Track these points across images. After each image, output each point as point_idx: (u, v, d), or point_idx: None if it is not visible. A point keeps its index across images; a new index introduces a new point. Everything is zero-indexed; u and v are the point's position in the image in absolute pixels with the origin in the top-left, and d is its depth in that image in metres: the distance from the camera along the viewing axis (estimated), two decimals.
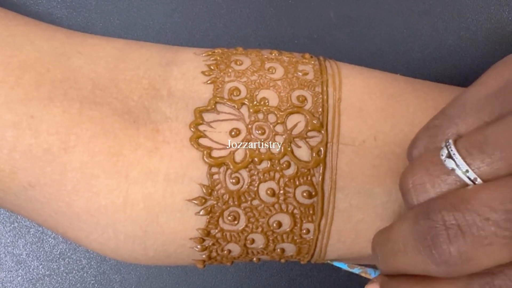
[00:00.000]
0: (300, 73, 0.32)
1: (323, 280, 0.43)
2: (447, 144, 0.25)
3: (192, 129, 0.30)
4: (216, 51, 0.33)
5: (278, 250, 0.32)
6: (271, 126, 0.30)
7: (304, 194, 0.30)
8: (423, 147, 0.26)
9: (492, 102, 0.25)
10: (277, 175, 0.30)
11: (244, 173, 0.30)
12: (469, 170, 0.24)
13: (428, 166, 0.25)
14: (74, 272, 0.42)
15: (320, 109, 0.31)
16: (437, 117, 0.27)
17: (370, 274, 0.32)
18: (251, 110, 0.31)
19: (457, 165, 0.24)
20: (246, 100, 0.31)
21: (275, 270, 0.43)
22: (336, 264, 0.33)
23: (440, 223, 0.23)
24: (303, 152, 0.30)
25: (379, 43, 0.41)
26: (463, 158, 0.24)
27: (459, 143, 0.24)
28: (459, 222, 0.23)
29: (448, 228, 0.23)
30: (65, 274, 0.42)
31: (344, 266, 0.32)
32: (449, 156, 0.24)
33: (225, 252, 0.32)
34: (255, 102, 0.31)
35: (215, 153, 0.30)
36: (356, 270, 0.31)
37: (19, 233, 0.42)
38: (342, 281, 0.43)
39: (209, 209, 0.30)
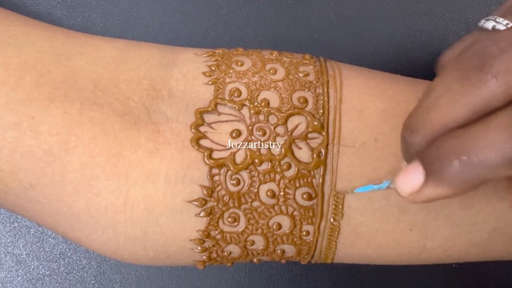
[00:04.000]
0: (301, 74, 0.32)
1: (323, 280, 0.43)
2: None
3: (192, 130, 0.30)
4: (217, 51, 0.33)
5: (278, 251, 0.32)
6: (272, 127, 0.30)
7: (304, 196, 0.30)
8: None
9: None
10: (278, 177, 0.30)
11: (245, 174, 0.30)
12: None
13: None
14: (74, 272, 0.42)
15: (321, 111, 0.31)
16: None
17: None
18: (252, 111, 0.30)
19: None
20: (247, 101, 0.31)
21: (275, 270, 0.43)
22: (359, 190, 0.30)
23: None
24: (303, 154, 0.30)
25: (379, 43, 0.41)
26: None
27: None
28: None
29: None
30: (65, 274, 0.42)
31: (368, 188, 0.30)
32: None
33: (225, 253, 0.32)
34: (256, 103, 0.31)
35: (216, 154, 0.30)
36: (385, 184, 0.29)
37: (19, 233, 0.42)
38: (342, 281, 0.43)
39: (209, 210, 0.30)
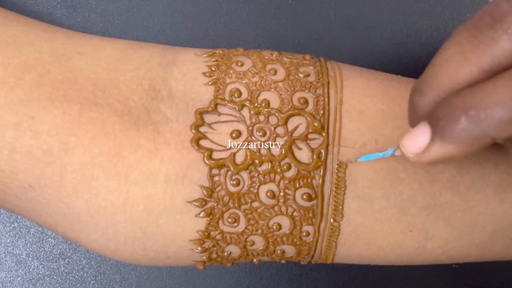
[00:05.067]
0: (301, 75, 0.32)
1: (323, 280, 0.43)
2: None
3: (192, 130, 0.30)
4: (217, 51, 0.33)
5: (278, 251, 0.32)
6: (272, 128, 0.30)
7: (304, 196, 0.30)
8: None
9: None
10: (278, 177, 0.30)
11: (245, 175, 0.30)
12: None
13: None
14: (74, 272, 0.42)
15: (321, 111, 0.31)
16: None
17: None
18: (252, 112, 0.30)
19: None
20: (247, 101, 0.31)
21: (275, 270, 0.43)
22: (363, 158, 0.30)
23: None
24: (303, 154, 0.30)
25: (379, 43, 0.41)
26: None
27: None
28: None
29: None
30: (65, 274, 0.42)
31: (372, 157, 0.29)
32: None
33: (225, 253, 0.32)
34: (256, 104, 0.31)
35: (216, 155, 0.30)
36: (389, 151, 0.29)
37: (19, 233, 0.42)
38: (342, 281, 0.43)
39: (209, 211, 0.30)
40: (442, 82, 0.25)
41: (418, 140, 0.26)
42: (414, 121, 0.27)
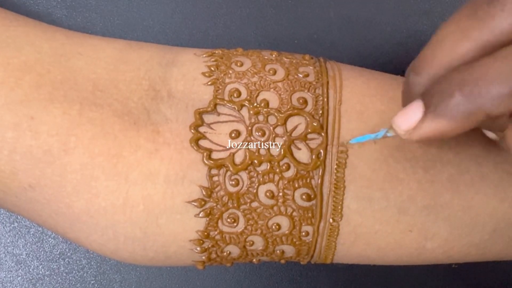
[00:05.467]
0: (300, 75, 0.32)
1: (323, 280, 0.43)
2: None
3: (192, 130, 0.30)
4: (216, 52, 0.33)
5: (278, 251, 0.32)
6: (271, 128, 0.30)
7: (303, 196, 0.30)
8: None
9: None
10: (277, 177, 0.30)
11: (244, 175, 0.30)
12: None
13: None
14: (74, 272, 0.42)
15: (321, 111, 0.31)
16: None
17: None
18: (251, 112, 0.30)
19: None
20: (246, 101, 0.31)
21: (275, 270, 0.43)
22: (355, 140, 0.30)
23: None
24: (302, 155, 0.30)
25: (379, 43, 0.41)
26: None
27: None
28: None
29: None
30: (65, 274, 0.42)
31: (364, 138, 0.29)
32: None
33: (225, 253, 0.32)
34: (255, 104, 0.31)
35: (215, 155, 0.30)
36: (382, 132, 0.28)
37: (19, 233, 0.42)
38: (342, 281, 0.43)
39: (208, 211, 0.30)
40: (439, 59, 0.25)
41: (410, 116, 0.26)
42: (407, 101, 0.27)
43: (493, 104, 0.23)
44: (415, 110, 0.25)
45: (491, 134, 0.32)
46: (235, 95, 0.31)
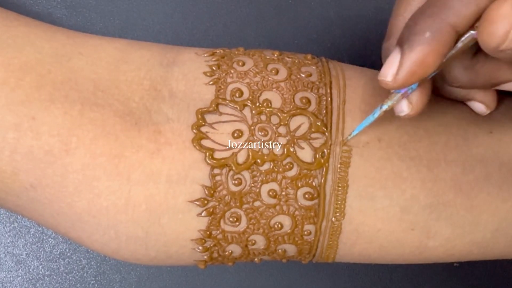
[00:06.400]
0: (303, 75, 0.32)
1: (323, 280, 0.43)
2: None
3: (194, 130, 0.30)
4: (217, 51, 0.33)
5: (280, 251, 0.32)
6: (274, 127, 0.30)
7: (306, 196, 0.30)
8: None
9: None
10: (279, 177, 0.30)
11: (246, 174, 0.30)
12: None
13: None
14: (74, 272, 0.42)
15: (324, 111, 0.31)
16: None
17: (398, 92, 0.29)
18: (253, 112, 0.30)
19: None
20: (248, 101, 0.31)
21: (275, 270, 0.43)
22: (356, 131, 0.31)
23: None
24: (306, 154, 0.30)
25: (379, 43, 0.41)
26: None
27: None
28: None
29: None
30: (65, 274, 0.42)
31: (363, 125, 0.30)
32: None
33: (227, 253, 0.32)
34: (257, 104, 0.31)
35: (218, 155, 0.30)
36: (377, 111, 0.30)
37: (19, 233, 0.42)
38: (342, 281, 0.43)
39: (210, 210, 0.30)
40: (400, 20, 0.29)
41: (391, 63, 0.27)
42: None
43: (454, 13, 0.25)
44: (394, 56, 0.27)
45: (479, 107, 0.32)
46: (237, 95, 0.31)
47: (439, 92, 0.32)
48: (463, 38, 0.27)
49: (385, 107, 0.29)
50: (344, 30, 0.41)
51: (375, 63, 0.38)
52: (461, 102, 0.33)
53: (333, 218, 0.31)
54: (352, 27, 0.41)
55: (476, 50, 0.28)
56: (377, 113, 0.30)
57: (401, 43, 0.27)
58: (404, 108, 0.29)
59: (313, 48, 0.41)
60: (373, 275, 0.43)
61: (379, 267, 0.43)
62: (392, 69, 0.27)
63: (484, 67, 0.29)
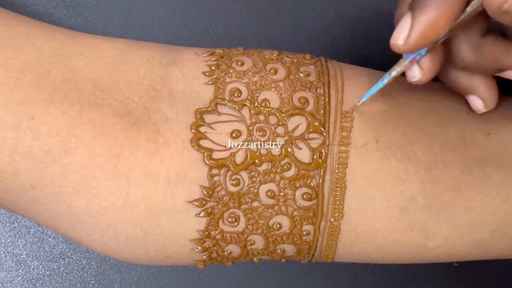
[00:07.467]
0: (301, 75, 0.32)
1: (323, 280, 0.43)
2: None
3: (192, 130, 0.30)
4: (217, 51, 0.33)
5: (279, 251, 0.32)
6: (272, 127, 0.30)
7: (304, 196, 0.30)
8: None
9: None
10: (277, 177, 0.30)
11: (245, 174, 0.30)
12: None
13: None
14: (74, 272, 0.42)
15: (322, 111, 0.31)
16: None
17: (406, 58, 0.30)
18: (252, 112, 0.30)
19: None
20: (247, 101, 0.31)
21: (275, 270, 0.43)
22: (364, 98, 0.31)
23: None
24: (304, 154, 0.30)
25: (379, 43, 0.41)
26: None
27: None
28: None
29: None
30: (65, 274, 0.42)
31: (371, 92, 0.31)
32: None
33: (226, 253, 0.32)
34: (256, 104, 0.31)
35: (216, 155, 0.30)
36: (386, 77, 0.30)
37: (19, 233, 0.42)
38: (342, 281, 0.43)
39: (209, 210, 0.30)
40: None
41: (403, 26, 0.28)
42: None
43: None
44: (406, 20, 0.28)
45: (477, 103, 0.32)
46: (236, 95, 0.31)
47: (443, 79, 0.32)
48: (472, 3, 0.27)
49: (393, 73, 0.30)
50: (344, 30, 0.41)
51: (375, 63, 0.38)
52: (459, 103, 0.33)
53: (331, 219, 0.31)
54: (352, 27, 0.41)
55: (485, 30, 0.29)
56: (386, 79, 0.30)
57: (413, 8, 0.28)
58: (416, 73, 0.30)
59: (313, 48, 0.41)
60: (373, 275, 0.43)
61: (379, 267, 0.43)
62: (404, 32, 0.28)
63: (492, 50, 0.29)
